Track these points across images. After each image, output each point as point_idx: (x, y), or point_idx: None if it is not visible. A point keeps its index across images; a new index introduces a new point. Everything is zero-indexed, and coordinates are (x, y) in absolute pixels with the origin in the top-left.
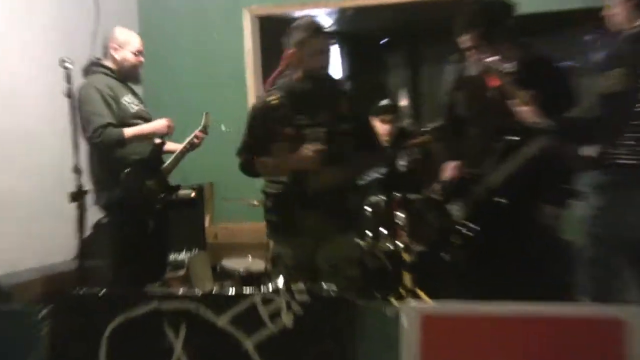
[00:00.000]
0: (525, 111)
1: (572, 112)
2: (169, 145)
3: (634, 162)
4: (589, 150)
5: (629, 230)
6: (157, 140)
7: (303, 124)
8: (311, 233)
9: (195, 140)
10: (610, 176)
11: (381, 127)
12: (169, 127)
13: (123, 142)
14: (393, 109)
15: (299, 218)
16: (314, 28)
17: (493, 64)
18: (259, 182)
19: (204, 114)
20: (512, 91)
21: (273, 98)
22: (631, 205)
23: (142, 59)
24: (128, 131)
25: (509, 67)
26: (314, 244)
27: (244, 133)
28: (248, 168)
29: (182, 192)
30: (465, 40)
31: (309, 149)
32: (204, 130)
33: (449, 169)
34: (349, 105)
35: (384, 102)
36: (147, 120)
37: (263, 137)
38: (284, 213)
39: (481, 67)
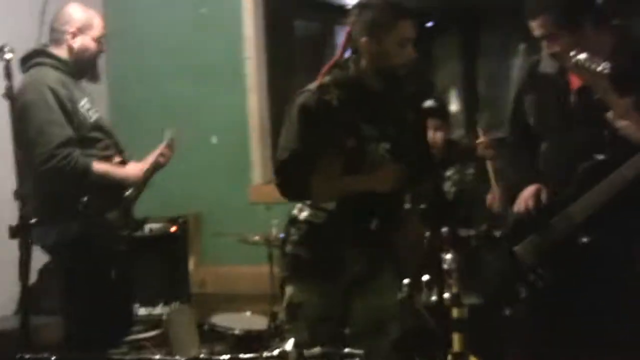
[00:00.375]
0: (624, 124)
1: None
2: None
3: None
4: None
5: None
6: (117, 159)
7: (367, 134)
8: (357, 278)
9: (161, 160)
10: None
11: (433, 136)
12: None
13: (87, 177)
14: (441, 111)
15: (344, 257)
16: (398, 8)
17: (582, 61)
18: (262, 213)
19: (168, 128)
20: (608, 97)
21: (329, 95)
22: None
23: (104, 47)
24: (99, 167)
25: (602, 65)
26: (353, 293)
27: (288, 140)
28: (298, 189)
29: (158, 226)
30: (538, 26)
31: (393, 170)
32: (170, 146)
33: (526, 197)
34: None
35: (429, 102)
36: (107, 132)
37: (318, 146)
38: (324, 249)
39: (564, 64)
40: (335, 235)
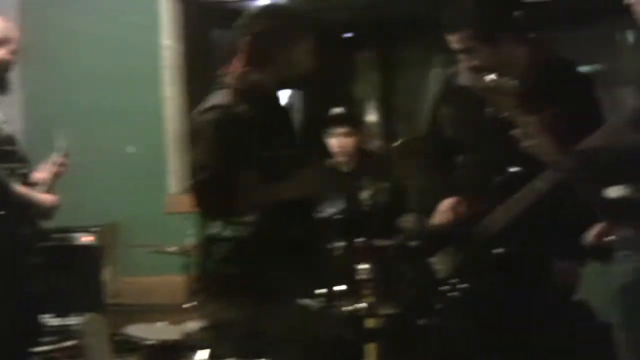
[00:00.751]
0: (533, 143)
1: (600, 139)
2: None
3: None
4: (619, 191)
5: None
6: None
7: (279, 144)
8: (281, 289)
9: (62, 170)
10: None
11: (335, 144)
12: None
13: (4, 195)
14: (349, 118)
15: (271, 270)
16: (299, 19)
17: (490, 82)
18: (179, 223)
19: (59, 133)
20: (517, 116)
21: (240, 108)
22: None
23: (18, 59)
24: (16, 189)
25: (511, 84)
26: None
27: (204, 158)
28: (222, 207)
29: (73, 236)
30: (456, 40)
31: (319, 172)
32: (67, 154)
33: (443, 210)
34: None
35: (337, 109)
36: (14, 146)
37: (236, 162)
38: (252, 263)
39: (481, 78)
40: (261, 248)
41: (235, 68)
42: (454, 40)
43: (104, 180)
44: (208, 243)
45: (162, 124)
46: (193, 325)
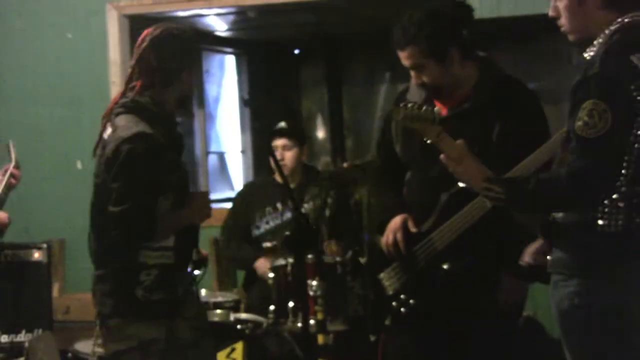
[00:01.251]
0: (458, 170)
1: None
2: None
3: (620, 228)
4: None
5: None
6: None
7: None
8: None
9: (13, 181)
10: (597, 248)
11: (281, 156)
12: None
13: None
14: (291, 132)
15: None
16: (198, 49)
17: (410, 110)
18: None
19: (9, 143)
20: (441, 143)
21: (151, 136)
22: (626, 287)
23: None
24: None
25: (433, 110)
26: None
27: (125, 189)
28: (144, 235)
29: (20, 252)
30: (406, 57)
31: (204, 197)
32: (18, 165)
33: (393, 228)
34: None
35: (281, 124)
36: None
37: (152, 189)
38: (178, 287)
39: (431, 94)
40: (186, 271)
41: (139, 89)
42: (404, 57)
43: (52, 196)
44: (135, 271)
45: None
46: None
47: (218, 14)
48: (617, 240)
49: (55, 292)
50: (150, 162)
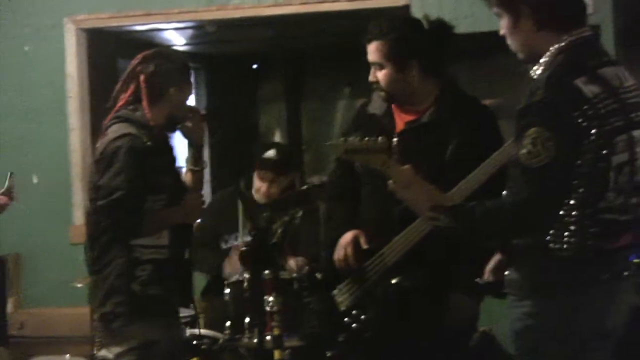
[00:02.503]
0: (406, 196)
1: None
2: None
3: (572, 252)
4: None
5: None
6: None
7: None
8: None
9: None
10: (551, 271)
11: (257, 185)
12: None
13: None
14: (275, 164)
15: (190, 287)
16: (189, 70)
17: (352, 143)
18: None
19: (9, 175)
20: (389, 170)
21: (148, 137)
22: (578, 310)
23: None
24: None
25: (379, 140)
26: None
27: (118, 180)
28: (132, 226)
29: None
30: (372, 51)
31: (196, 198)
32: (9, 193)
33: (344, 244)
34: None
35: (270, 152)
36: None
37: (146, 186)
38: (174, 283)
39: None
40: (181, 267)
41: (125, 101)
42: (370, 51)
43: (8, 210)
44: (131, 267)
45: (67, 154)
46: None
47: (176, 29)
48: (570, 263)
49: (10, 307)
50: (137, 159)
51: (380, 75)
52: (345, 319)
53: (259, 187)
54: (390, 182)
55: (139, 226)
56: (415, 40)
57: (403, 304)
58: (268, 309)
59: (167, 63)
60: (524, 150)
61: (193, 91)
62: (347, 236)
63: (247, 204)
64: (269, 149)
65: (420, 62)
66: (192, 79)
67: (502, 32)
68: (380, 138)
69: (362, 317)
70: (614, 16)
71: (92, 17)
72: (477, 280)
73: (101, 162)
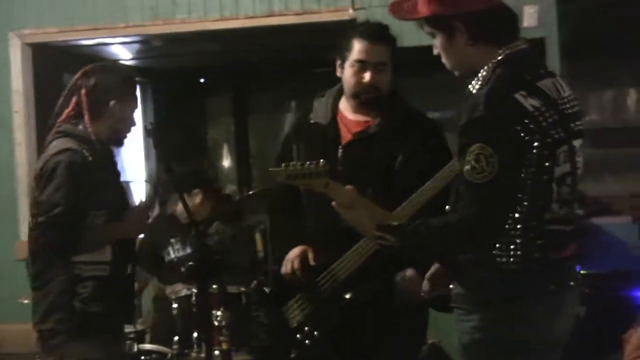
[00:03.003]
0: (349, 216)
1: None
2: None
3: (518, 264)
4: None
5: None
6: None
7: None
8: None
9: None
10: (497, 284)
11: (178, 210)
12: None
13: None
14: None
15: (132, 305)
16: (133, 83)
17: (295, 169)
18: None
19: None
20: (330, 192)
21: (88, 152)
22: (526, 322)
23: None
24: None
25: (319, 164)
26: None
27: (57, 196)
28: (72, 242)
29: None
30: (372, 51)
31: (140, 211)
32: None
33: (291, 259)
34: None
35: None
36: None
37: (86, 201)
38: (116, 300)
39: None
40: (123, 284)
41: (67, 116)
42: (371, 51)
43: None
44: (71, 283)
45: (13, 169)
46: None
47: (123, 43)
48: (516, 275)
49: None
50: (77, 174)
51: (383, 77)
52: (297, 335)
53: (180, 211)
54: (334, 203)
55: (78, 242)
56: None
57: (356, 319)
58: (216, 323)
59: (109, 76)
60: (467, 167)
61: (138, 105)
62: (295, 251)
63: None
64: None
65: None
66: (137, 93)
67: (435, 51)
68: (321, 161)
69: (315, 333)
70: (559, 30)
71: (38, 32)
72: (422, 294)
73: (41, 178)
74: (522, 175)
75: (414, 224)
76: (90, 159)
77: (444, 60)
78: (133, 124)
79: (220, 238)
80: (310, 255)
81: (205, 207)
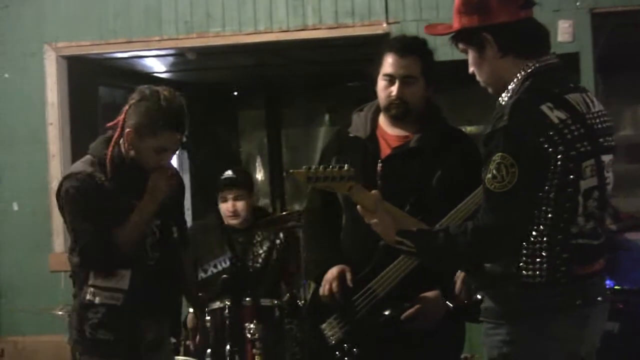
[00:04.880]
0: (373, 221)
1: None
2: None
3: (544, 279)
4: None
5: None
6: None
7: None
8: (150, 346)
9: None
10: (524, 298)
11: (224, 207)
12: None
13: None
14: (239, 181)
15: (142, 330)
16: (167, 119)
17: (314, 172)
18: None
19: None
20: (355, 197)
21: (100, 175)
22: (553, 336)
23: None
24: None
25: (345, 167)
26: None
27: (79, 223)
28: (108, 261)
29: None
30: (403, 64)
31: (160, 173)
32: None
33: (329, 280)
34: None
35: (228, 172)
36: None
37: (106, 221)
38: (126, 328)
39: (398, 109)
40: (135, 312)
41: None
42: (400, 65)
43: None
44: (83, 310)
45: (47, 182)
46: None
47: (157, 56)
48: (543, 290)
49: None
50: (86, 198)
51: (411, 91)
52: (337, 353)
53: (226, 208)
54: (358, 207)
55: (113, 260)
56: (433, 60)
57: (395, 335)
58: (249, 336)
59: (139, 104)
60: (489, 175)
61: (174, 145)
62: (333, 271)
63: (225, 232)
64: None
65: (436, 82)
66: (178, 131)
67: (470, 69)
68: (346, 166)
69: (354, 350)
70: (594, 44)
71: (73, 45)
72: (448, 303)
73: (58, 200)
74: (546, 187)
75: (433, 229)
76: (100, 180)
77: (477, 76)
78: (158, 160)
79: (264, 249)
80: (349, 276)
81: (246, 213)
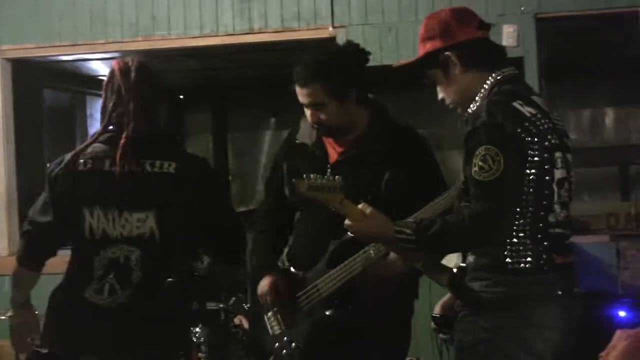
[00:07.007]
0: (357, 233)
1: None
2: None
3: (529, 265)
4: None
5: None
6: None
7: None
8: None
9: None
10: (508, 286)
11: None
12: None
13: None
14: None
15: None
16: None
17: (313, 182)
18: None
19: None
20: (344, 209)
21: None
22: (530, 327)
23: None
24: None
25: (336, 179)
26: None
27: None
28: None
29: None
30: (307, 94)
31: None
32: None
33: (263, 291)
34: None
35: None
36: None
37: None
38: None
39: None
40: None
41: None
42: (304, 94)
43: None
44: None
45: None
46: None
47: (102, 59)
48: (526, 277)
49: None
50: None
51: (324, 115)
52: (276, 344)
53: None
54: (346, 221)
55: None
56: (352, 71)
57: (333, 335)
58: (194, 340)
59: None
60: (475, 168)
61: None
62: (264, 286)
63: None
64: None
65: (355, 90)
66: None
67: (440, 95)
68: (336, 177)
69: (293, 344)
70: (538, 49)
71: (17, 47)
72: (434, 314)
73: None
74: (527, 176)
75: (431, 217)
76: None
77: (446, 99)
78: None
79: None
80: (282, 284)
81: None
